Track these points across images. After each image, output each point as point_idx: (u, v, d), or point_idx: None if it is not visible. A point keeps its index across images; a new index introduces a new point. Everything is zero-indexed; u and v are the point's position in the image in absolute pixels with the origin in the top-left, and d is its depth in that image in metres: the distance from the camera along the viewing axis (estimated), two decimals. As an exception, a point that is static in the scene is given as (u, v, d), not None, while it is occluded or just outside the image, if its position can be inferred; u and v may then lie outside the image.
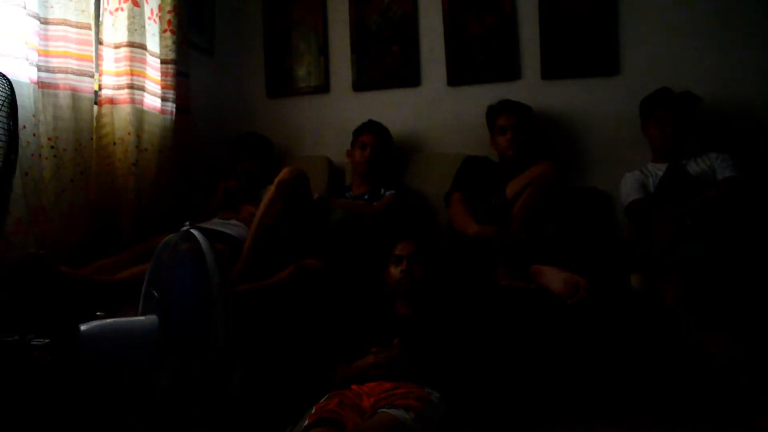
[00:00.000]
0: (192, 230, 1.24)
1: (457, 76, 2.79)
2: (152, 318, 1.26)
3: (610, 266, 1.98)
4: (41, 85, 1.83)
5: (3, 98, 1.26)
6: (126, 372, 1.29)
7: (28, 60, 1.74)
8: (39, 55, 1.82)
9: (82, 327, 1.18)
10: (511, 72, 2.72)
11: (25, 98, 1.71)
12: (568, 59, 2.64)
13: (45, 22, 1.85)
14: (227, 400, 1.17)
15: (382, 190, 2.56)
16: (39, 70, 1.82)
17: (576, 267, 1.86)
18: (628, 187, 2.28)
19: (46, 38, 1.86)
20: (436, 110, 2.82)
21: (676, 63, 2.52)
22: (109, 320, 1.24)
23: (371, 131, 2.63)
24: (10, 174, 1.31)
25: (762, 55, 2.43)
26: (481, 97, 2.66)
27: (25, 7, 1.73)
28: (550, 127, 2.63)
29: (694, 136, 2.33)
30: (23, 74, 1.72)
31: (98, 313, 1.26)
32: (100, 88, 2.17)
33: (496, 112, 2.49)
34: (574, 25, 2.63)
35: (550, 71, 2.67)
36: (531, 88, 2.68)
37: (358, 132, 2.66)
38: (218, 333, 1.12)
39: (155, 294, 1.28)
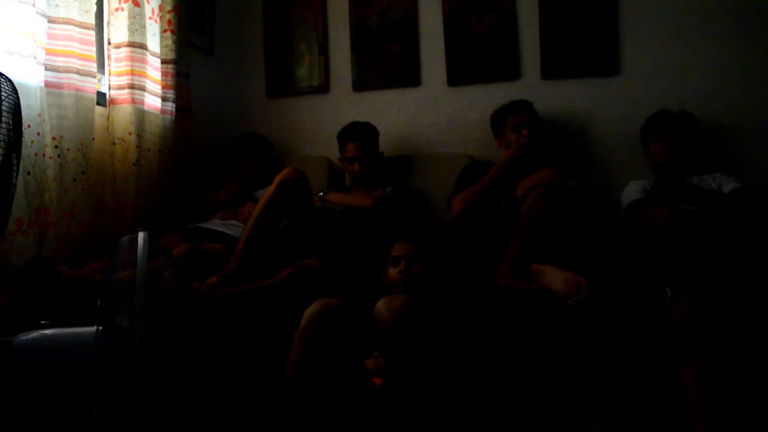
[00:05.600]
0: (139, 234, 1.17)
1: (457, 76, 2.79)
2: (92, 329, 1.17)
3: (611, 266, 1.98)
4: (47, 84, 1.83)
5: (8, 101, 1.25)
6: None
7: (36, 59, 1.74)
8: (46, 54, 1.83)
9: (17, 339, 1.09)
10: (511, 72, 2.72)
11: (31, 97, 1.71)
12: (568, 59, 2.64)
13: (51, 20, 1.86)
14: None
15: (382, 189, 2.55)
16: (46, 69, 1.82)
17: (576, 267, 1.86)
18: (629, 191, 2.29)
19: (53, 37, 1.86)
20: (436, 110, 2.82)
21: (675, 63, 2.53)
22: (48, 331, 1.15)
23: (352, 138, 2.55)
24: (10, 174, 1.30)
25: (761, 54, 2.44)
26: (481, 97, 2.66)
27: (34, 5, 1.74)
28: (549, 127, 2.63)
29: (696, 154, 2.33)
30: (31, 73, 1.72)
31: (42, 322, 1.18)
32: (120, 89, 2.21)
33: (506, 111, 2.47)
34: (574, 25, 2.63)
35: (550, 71, 2.68)
36: (531, 88, 2.68)
37: (340, 139, 2.59)
38: (135, 350, 1.03)
39: (97, 302, 1.20)
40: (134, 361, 1.04)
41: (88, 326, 1.19)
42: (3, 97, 1.21)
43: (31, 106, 1.71)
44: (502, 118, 2.48)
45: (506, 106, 2.49)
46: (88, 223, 2.01)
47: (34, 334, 1.12)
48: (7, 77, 1.29)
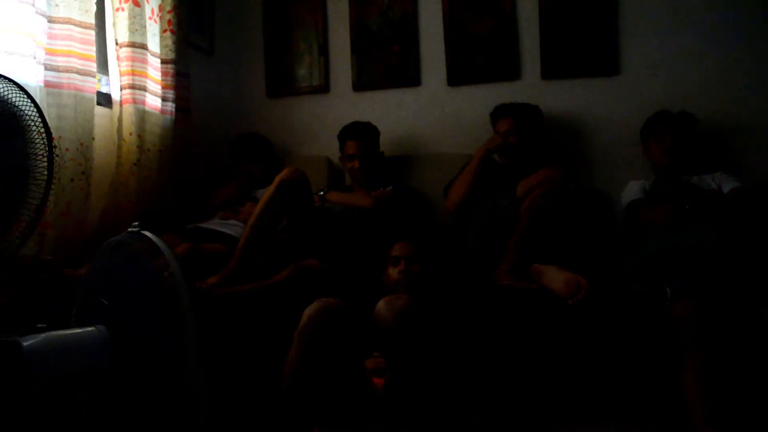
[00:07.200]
0: (143, 232, 1.12)
1: (457, 76, 2.79)
2: (101, 328, 1.12)
3: (611, 266, 1.98)
4: (47, 84, 1.82)
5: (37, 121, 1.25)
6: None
7: (35, 58, 1.74)
8: (46, 54, 1.82)
9: (25, 342, 1.03)
10: (511, 72, 2.72)
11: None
12: (568, 59, 2.64)
13: (51, 20, 1.85)
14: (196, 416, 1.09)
15: (383, 189, 2.55)
16: (45, 68, 1.82)
17: (577, 267, 1.86)
18: (629, 191, 2.29)
19: (52, 36, 1.86)
20: (436, 110, 2.83)
21: (675, 63, 2.53)
22: (52, 333, 1.09)
23: (352, 137, 2.55)
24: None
25: (761, 54, 2.44)
26: (481, 97, 2.66)
27: (33, 5, 1.74)
28: (549, 127, 2.63)
29: (696, 155, 2.33)
30: (30, 73, 1.72)
31: (39, 325, 1.10)
32: (121, 89, 2.22)
33: (495, 114, 2.48)
34: (574, 25, 2.63)
35: (550, 71, 2.68)
36: (531, 88, 2.68)
37: (341, 138, 2.60)
38: (190, 351, 1.02)
39: (104, 301, 1.14)
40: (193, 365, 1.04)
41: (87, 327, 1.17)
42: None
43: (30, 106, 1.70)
44: (492, 120, 2.50)
45: (497, 108, 2.49)
46: (88, 223, 2.01)
47: (40, 337, 1.10)
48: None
